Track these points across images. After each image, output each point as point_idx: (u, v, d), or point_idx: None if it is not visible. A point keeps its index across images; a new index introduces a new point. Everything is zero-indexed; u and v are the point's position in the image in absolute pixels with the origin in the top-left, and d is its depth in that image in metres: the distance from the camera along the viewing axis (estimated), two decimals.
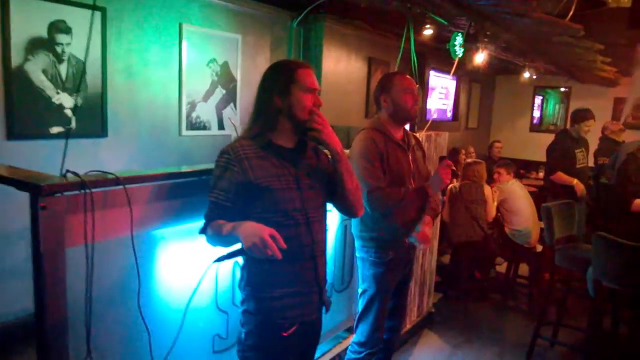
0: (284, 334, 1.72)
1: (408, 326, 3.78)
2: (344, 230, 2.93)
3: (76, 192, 1.48)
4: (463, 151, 6.74)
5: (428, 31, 3.68)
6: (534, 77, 7.54)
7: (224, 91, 4.06)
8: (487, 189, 4.71)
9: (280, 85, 1.67)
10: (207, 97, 3.93)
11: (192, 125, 3.84)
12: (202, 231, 1.67)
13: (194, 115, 3.84)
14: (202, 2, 3.80)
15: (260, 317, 1.71)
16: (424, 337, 3.88)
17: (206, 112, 3.93)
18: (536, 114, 9.30)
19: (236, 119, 4.12)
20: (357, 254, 2.52)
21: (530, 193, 6.28)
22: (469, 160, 5.18)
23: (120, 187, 1.57)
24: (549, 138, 8.75)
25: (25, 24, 2.79)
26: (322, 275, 1.81)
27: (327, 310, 1.89)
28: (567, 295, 3.71)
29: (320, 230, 1.80)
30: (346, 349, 2.97)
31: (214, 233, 1.62)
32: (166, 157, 3.69)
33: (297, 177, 1.70)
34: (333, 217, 2.83)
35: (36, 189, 1.41)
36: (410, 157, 2.46)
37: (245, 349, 1.74)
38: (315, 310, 1.81)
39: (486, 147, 8.82)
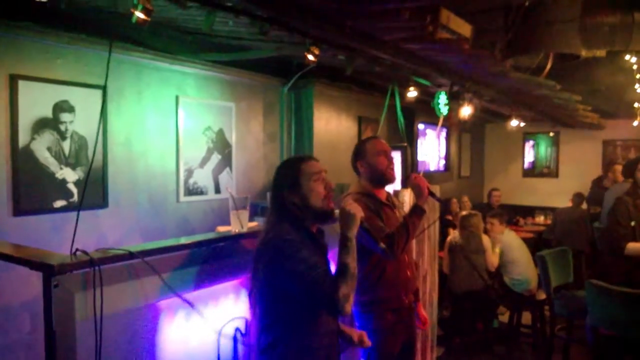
0: None
1: None
2: None
3: (86, 269, 1.56)
4: (455, 200, 6.85)
5: (412, 93, 3.87)
6: (522, 124, 7.75)
7: (219, 156, 4.20)
8: (485, 239, 4.79)
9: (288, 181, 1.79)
10: (203, 163, 4.07)
11: (190, 191, 3.95)
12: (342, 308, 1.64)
13: (191, 181, 3.96)
14: (197, 74, 4.00)
15: None
16: None
17: (203, 177, 4.06)
18: (529, 158, 9.50)
19: (232, 184, 4.25)
20: (357, 322, 2.49)
21: (529, 239, 6.40)
22: (464, 212, 5.27)
23: (131, 261, 1.65)
24: (543, 182, 9.01)
25: (32, 106, 2.95)
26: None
27: None
28: (570, 344, 3.71)
29: None
30: None
31: (350, 287, 1.65)
32: (165, 224, 3.77)
33: (327, 262, 1.82)
34: None
35: (49, 269, 1.49)
36: (397, 215, 2.55)
37: None
38: None
39: (481, 195, 8.96)
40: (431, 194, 2.43)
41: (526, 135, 9.31)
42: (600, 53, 4.91)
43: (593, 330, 2.83)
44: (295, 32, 2.60)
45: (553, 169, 9.15)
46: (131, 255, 1.66)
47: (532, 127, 8.80)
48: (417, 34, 2.47)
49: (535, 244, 6.55)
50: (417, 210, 2.37)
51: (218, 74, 4.17)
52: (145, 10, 2.09)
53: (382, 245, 2.26)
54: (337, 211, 1.83)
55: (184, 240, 1.97)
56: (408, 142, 5.93)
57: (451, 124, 7.44)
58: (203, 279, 1.98)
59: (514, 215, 7.94)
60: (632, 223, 3.68)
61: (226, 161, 4.28)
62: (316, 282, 1.62)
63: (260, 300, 1.73)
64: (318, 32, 2.57)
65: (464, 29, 2.90)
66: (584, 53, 4.21)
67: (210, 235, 2.19)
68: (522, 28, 3.71)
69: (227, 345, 2.17)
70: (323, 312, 1.72)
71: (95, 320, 1.59)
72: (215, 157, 4.18)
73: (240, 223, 2.22)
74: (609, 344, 2.82)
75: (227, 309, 2.15)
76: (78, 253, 1.60)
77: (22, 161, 2.92)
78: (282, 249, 1.66)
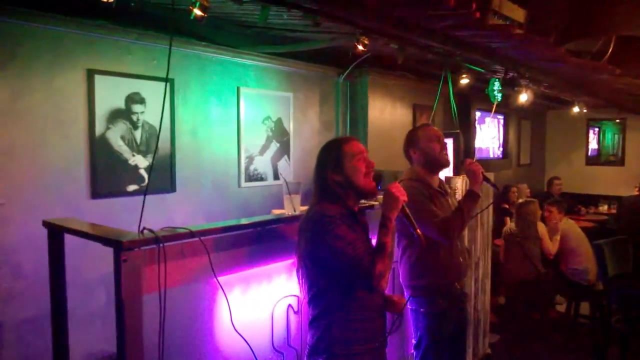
0: None
1: None
2: (392, 273, 3.07)
3: (152, 246, 1.76)
4: (514, 189, 6.72)
5: (464, 80, 3.86)
6: (585, 110, 7.44)
7: (278, 145, 4.39)
8: (541, 227, 4.72)
9: (332, 162, 1.88)
10: (263, 151, 4.26)
11: (250, 177, 4.16)
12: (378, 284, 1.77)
13: (251, 168, 4.17)
14: (256, 67, 4.19)
15: None
16: None
17: (262, 164, 4.26)
18: (593, 146, 9.11)
19: (289, 171, 4.43)
20: (410, 306, 2.54)
21: (590, 228, 6.20)
22: (521, 200, 5.21)
23: (192, 239, 1.84)
24: (607, 170, 8.62)
25: (107, 98, 3.23)
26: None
27: None
28: (627, 336, 3.63)
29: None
30: None
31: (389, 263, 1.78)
32: (227, 207, 4.00)
33: (367, 240, 1.91)
34: None
35: (118, 245, 1.69)
36: (450, 202, 2.61)
37: None
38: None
39: (541, 183, 8.70)
40: (485, 179, 2.49)
41: (590, 122, 8.92)
42: None
43: None
44: (345, 23, 2.68)
45: (619, 157, 8.73)
46: (192, 234, 1.84)
47: (597, 114, 8.42)
48: (465, 21, 2.48)
49: (599, 234, 6.32)
50: (471, 195, 2.42)
51: (276, 66, 4.34)
52: (202, 7, 2.25)
53: (436, 231, 2.34)
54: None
55: (241, 222, 2.13)
56: (464, 129, 5.89)
57: (508, 111, 7.27)
58: (258, 258, 2.15)
59: (575, 204, 7.67)
60: None
61: (284, 149, 4.46)
62: (354, 258, 1.73)
63: (305, 274, 1.86)
64: (366, 23, 2.64)
65: (517, 13, 2.88)
66: None
67: (265, 217, 2.35)
68: (582, 10, 3.60)
69: (280, 320, 2.34)
70: (361, 287, 1.82)
71: (160, 293, 1.79)
72: (274, 145, 4.37)
73: (293, 206, 2.37)
74: None
75: (280, 287, 2.31)
76: (145, 231, 1.80)
77: (99, 149, 3.21)
78: (323, 224, 1.76)
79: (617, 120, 8.64)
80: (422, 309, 2.50)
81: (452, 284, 2.56)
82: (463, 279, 2.67)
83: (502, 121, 7.68)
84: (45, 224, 2.08)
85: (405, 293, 2.59)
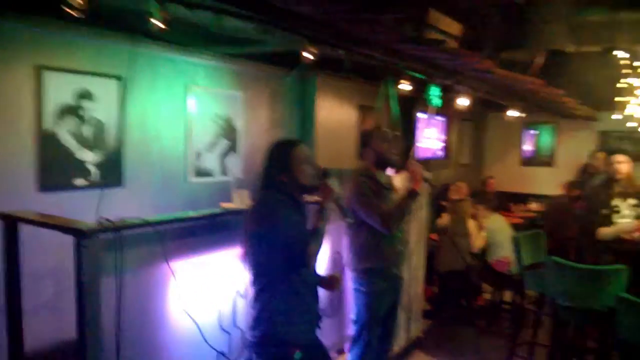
0: (292, 352, 2.08)
1: (397, 349, 4.11)
2: (333, 263, 3.34)
3: (110, 234, 1.92)
4: (452, 187, 7.14)
5: (404, 86, 4.16)
6: (520, 114, 7.95)
7: (227, 142, 4.55)
8: (470, 223, 5.11)
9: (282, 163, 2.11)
10: (211, 147, 4.42)
11: (199, 173, 4.31)
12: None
13: (200, 163, 4.32)
14: (206, 65, 4.33)
15: (274, 339, 2.06)
16: (413, 359, 4.20)
17: (211, 160, 4.42)
18: (529, 147, 9.73)
19: (237, 167, 4.60)
20: (352, 285, 2.90)
21: (520, 224, 6.70)
22: (454, 197, 5.59)
23: (146, 229, 2.01)
24: (540, 171, 9.24)
25: (56, 94, 3.29)
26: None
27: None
28: (539, 317, 4.05)
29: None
30: None
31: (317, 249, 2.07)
32: (175, 202, 4.12)
33: (305, 224, 2.15)
34: (324, 250, 3.25)
35: (80, 233, 1.84)
36: (393, 197, 2.92)
37: None
38: (314, 333, 2.24)
39: (479, 182, 9.24)
40: (424, 179, 2.81)
41: (527, 125, 9.54)
42: (594, 48, 5.16)
43: (552, 303, 3.16)
44: (294, 33, 2.91)
45: (550, 158, 9.40)
46: (147, 223, 2.02)
47: (532, 118, 9.03)
48: (404, 36, 2.77)
49: (527, 229, 6.83)
50: (411, 193, 2.75)
51: (226, 65, 4.48)
52: (163, 20, 2.39)
53: (380, 223, 2.65)
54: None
55: (191, 214, 2.32)
56: (407, 130, 6.25)
57: (450, 113, 7.70)
58: (207, 246, 2.34)
59: (507, 201, 8.23)
60: (604, 211, 3.99)
61: (233, 146, 4.63)
62: (295, 239, 1.99)
63: (252, 253, 2.09)
64: (313, 34, 2.88)
65: (453, 27, 3.18)
66: (572, 49, 4.48)
67: (215, 210, 2.54)
68: (515, 26, 3.99)
69: (228, 304, 2.53)
70: (295, 263, 2.06)
71: (117, 277, 1.96)
72: (223, 142, 4.53)
73: (240, 200, 2.58)
74: (566, 314, 3.15)
75: (228, 274, 2.51)
76: (102, 220, 1.95)
77: (47, 143, 3.26)
78: (271, 208, 2.02)
79: (551, 124, 9.27)
80: (362, 289, 2.84)
81: (391, 269, 2.89)
82: (401, 265, 3.01)
83: (444, 123, 8.11)
84: (1, 216, 2.18)
85: (349, 274, 2.92)
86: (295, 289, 2.08)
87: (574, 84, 5.32)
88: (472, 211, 5.42)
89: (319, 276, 2.28)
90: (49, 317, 3.30)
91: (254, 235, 2.05)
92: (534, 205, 8.76)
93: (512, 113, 7.62)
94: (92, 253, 1.87)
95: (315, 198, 2.22)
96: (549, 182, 8.77)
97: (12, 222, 2.17)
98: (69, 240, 1.89)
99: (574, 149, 8.82)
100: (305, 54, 3.02)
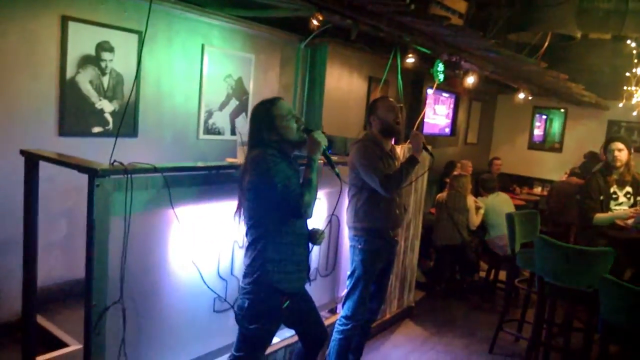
0: (282, 300, 2.25)
1: (388, 316, 4.30)
2: (329, 225, 3.49)
3: (121, 176, 2.07)
4: (458, 165, 7.25)
5: (410, 59, 4.24)
6: (530, 97, 7.98)
7: (237, 102, 4.68)
8: (470, 200, 5.20)
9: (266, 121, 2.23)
10: (222, 107, 4.55)
11: (209, 131, 4.45)
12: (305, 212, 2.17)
13: (210, 122, 4.46)
14: (222, 26, 4.42)
15: (265, 286, 2.21)
16: (402, 327, 4.38)
17: (221, 120, 4.55)
18: (538, 132, 9.76)
19: (246, 127, 4.71)
20: (350, 242, 3.08)
21: (521, 207, 6.80)
22: (455, 172, 5.70)
23: (155, 174, 2.15)
24: (547, 156, 9.29)
25: (79, 44, 3.43)
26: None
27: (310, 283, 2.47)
28: (530, 295, 4.20)
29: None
30: (328, 326, 3.53)
31: (314, 194, 2.18)
32: (185, 157, 4.29)
33: (299, 178, 2.27)
34: (321, 212, 3.40)
35: (93, 172, 1.99)
36: (396, 164, 3.05)
37: (246, 315, 2.24)
38: (302, 284, 2.38)
39: (486, 162, 9.32)
40: (425, 148, 2.93)
41: (536, 109, 9.55)
42: (602, 36, 5.16)
43: (539, 280, 3.30)
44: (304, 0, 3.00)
45: (559, 144, 9.43)
46: (155, 169, 2.16)
47: (542, 102, 9.04)
48: (404, 9, 2.85)
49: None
50: (411, 160, 2.89)
51: (241, 27, 4.57)
52: None
53: (379, 184, 2.80)
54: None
55: (198, 164, 2.46)
56: (415, 105, 6.33)
57: (459, 91, 7.74)
58: (210, 196, 2.49)
59: (511, 183, 8.32)
60: (601, 197, 4.08)
61: (243, 107, 4.75)
62: (288, 191, 2.11)
63: (246, 206, 2.22)
64: (321, 1, 2.96)
65: (459, 5, 3.24)
66: (578, 35, 4.51)
67: (220, 163, 2.69)
68: (522, 7, 4.02)
69: (226, 253, 2.70)
70: (291, 215, 2.20)
71: (125, 217, 2.11)
72: (233, 103, 4.66)
73: (245, 156, 2.71)
74: (552, 292, 3.29)
75: (228, 224, 2.65)
76: (115, 163, 2.10)
77: (68, 91, 3.43)
78: (265, 162, 2.12)
79: (562, 110, 9.27)
80: (359, 246, 3.01)
81: (387, 230, 3.05)
82: (397, 229, 3.17)
83: (453, 101, 8.15)
84: (23, 152, 2.33)
85: (348, 232, 3.11)
86: (287, 240, 2.22)
87: (581, 71, 5.35)
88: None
89: (310, 230, 2.41)
90: (60, 255, 3.52)
91: (249, 187, 2.16)
92: (538, 189, 8.87)
93: (521, 95, 7.67)
94: (103, 192, 2.02)
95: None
96: (556, 168, 8.87)
97: (33, 160, 2.33)
98: (84, 183, 2.03)
99: (582, 137, 8.85)
100: (314, 21, 3.11)
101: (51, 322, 3.25)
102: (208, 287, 2.42)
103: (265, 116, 2.25)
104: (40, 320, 3.14)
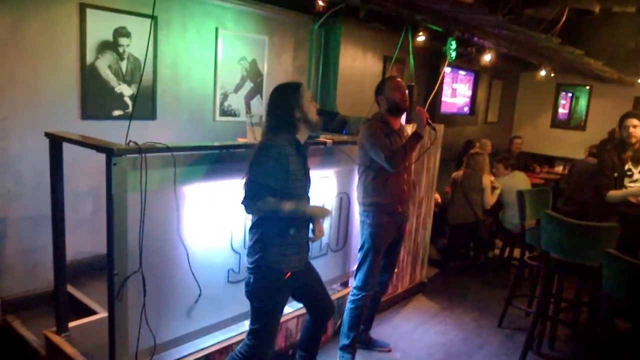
0: (283, 278, 2.38)
1: (400, 290, 4.42)
2: (340, 201, 3.61)
3: (136, 154, 2.22)
4: (477, 144, 7.25)
5: (421, 38, 4.27)
6: (552, 75, 7.84)
7: (252, 84, 4.80)
8: (485, 179, 5.22)
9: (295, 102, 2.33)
10: (237, 89, 4.68)
11: (224, 113, 4.60)
12: (251, 205, 2.25)
13: (225, 104, 4.60)
14: (235, 9, 4.52)
15: (266, 267, 2.34)
16: (414, 301, 4.51)
17: (236, 101, 4.69)
18: (563, 110, 9.61)
19: (262, 109, 4.86)
20: (360, 218, 3.21)
21: (540, 185, 6.78)
22: (472, 151, 5.72)
23: (167, 153, 2.30)
24: (571, 134, 9.16)
25: (97, 30, 3.59)
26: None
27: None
28: (539, 271, 4.25)
29: None
30: (339, 298, 3.68)
31: (269, 207, 2.22)
32: (202, 138, 4.44)
33: (306, 169, 2.41)
34: (331, 190, 3.52)
35: (110, 151, 2.15)
36: (403, 141, 3.14)
37: (253, 291, 2.39)
38: (303, 263, 2.50)
39: (507, 141, 9.25)
40: (428, 123, 3.01)
41: (561, 87, 9.39)
42: (629, 9, 5.07)
43: (545, 255, 3.36)
44: None
45: (583, 122, 9.29)
46: (168, 149, 2.31)
47: (566, 79, 8.89)
48: None
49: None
50: (415, 135, 2.98)
51: (254, 10, 4.67)
52: None
53: (385, 160, 2.90)
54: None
55: (210, 144, 2.59)
56: (431, 83, 6.34)
57: (477, 70, 7.68)
58: (223, 174, 2.62)
59: (531, 162, 8.26)
60: (615, 174, 4.07)
61: (257, 89, 4.87)
62: (291, 174, 2.25)
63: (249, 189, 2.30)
64: None
65: None
66: (596, 9, 4.44)
67: (230, 143, 2.82)
68: None
69: (239, 227, 2.84)
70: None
71: (141, 192, 2.26)
72: (248, 85, 4.78)
73: (254, 136, 2.84)
74: (558, 267, 3.35)
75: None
76: (130, 143, 2.25)
77: (89, 76, 3.60)
78: (272, 144, 2.24)
79: (587, 87, 9.10)
80: (368, 221, 3.14)
81: (395, 206, 3.15)
82: (405, 205, 3.26)
83: (472, 79, 8.10)
84: (47, 135, 2.51)
85: (358, 208, 3.23)
86: (286, 223, 2.33)
87: (604, 47, 5.26)
88: (493, 170, 5.51)
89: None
90: (87, 232, 3.74)
91: (250, 175, 2.26)
92: (559, 168, 8.77)
93: (543, 72, 7.56)
94: (120, 170, 2.18)
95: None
96: (580, 146, 8.72)
97: (57, 141, 2.51)
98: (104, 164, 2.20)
99: (607, 114, 8.67)
100: (319, 1, 3.16)
101: (81, 292, 3.49)
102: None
103: (296, 95, 2.35)
104: (71, 290, 3.38)
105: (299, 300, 2.69)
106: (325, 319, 2.75)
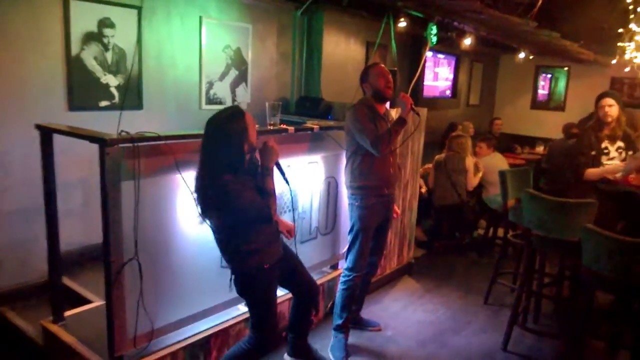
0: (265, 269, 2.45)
1: (388, 271, 4.53)
2: (328, 186, 3.68)
3: (128, 144, 2.26)
4: (460, 127, 7.37)
5: (402, 24, 4.33)
6: (530, 57, 7.96)
7: (237, 72, 4.82)
8: (469, 160, 5.34)
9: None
10: (222, 77, 4.70)
11: (210, 101, 4.62)
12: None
13: (211, 92, 4.62)
14: None
15: (240, 264, 2.41)
16: (402, 282, 4.62)
17: (222, 89, 4.71)
18: (543, 92, 9.77)
19: (247, 97, 4.89)
20: (348, 201, 3.29)
21: (521, 165, 6.92)
22: (454, 133, 5.83)
23: (159, 142, 2.34)
24: (550, 115, 9.33)
25: (81, 21, 3.58)
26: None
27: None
28: (522, 248, 4.38)
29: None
30: (330, 281, 3.78)
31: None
32: (189, 127, 4.45)
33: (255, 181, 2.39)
34: (318, 175, 3.59)
35: (103, 142, 2.19)
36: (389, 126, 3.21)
37: (237, 285, 2.47)
38: (279, 252, 2.56)
39: (488, 123, 9.41)
40: (412, 109, 3.10)
41: (540, 69, 9.53)
42: None
43: (527, 232, 3.48)
44: None
45: (563, 103, 9.46)
46: (159, 137, 2.35)
47: (545, 61, 9.04)
48: None
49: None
50: (400, 121, 3.06)
51: None
52: None
53: (370, 144, 2.98)
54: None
55: (198, 131, 2.63)
56: (414, 68, 6.41)
57: (458, 53, 7.76)
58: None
59: (512, 143, 8.42)
60: (593, 152, 4.20)
61: (242, 76, 4.89)
62: (256, 206, 2.30)
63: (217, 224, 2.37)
64: None
65: None
66: None
67: None
68: None
69: None
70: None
71: (135, 182, 2.31)
72: (233, 73, 4.80)
73: None
74: (538, 242, 3.47)
75: None
76: (122, 133, 2.29)
77: (74, 67, 3.59)
78: (229, 192, 2.23)
79: (565, 68, 9.25)
80: (356, 203, 3.22)
81: (382, 188, 3.24)
82: (392, 187, 3.35)
83: (453, 63, 8.19)
84: (38, 126, 2.53)
85: (347, 192, 3.30)
86: (252, 225, 2.38)
87: (580, 29, 5.37)
88: (476, 149, 5.63)
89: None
90: (77, 222, 3.76)
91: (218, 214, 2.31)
92: (540, 149, 8.94)
93: (522, 55, 7.67)
94: (113, 160, 2.22)
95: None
96: (560, 127, 8.91)
97: (48, 133, 2.53)
98: (96, 154, 2.22)
99: (585, 95, 8.83)
100: None
101: (74, 282, 3.52)
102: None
103: (238, 127, 2.30)
104: (64, 280, 3.41)
105: (285, 287, 2.80)
106: (311, 298, 2.84)
